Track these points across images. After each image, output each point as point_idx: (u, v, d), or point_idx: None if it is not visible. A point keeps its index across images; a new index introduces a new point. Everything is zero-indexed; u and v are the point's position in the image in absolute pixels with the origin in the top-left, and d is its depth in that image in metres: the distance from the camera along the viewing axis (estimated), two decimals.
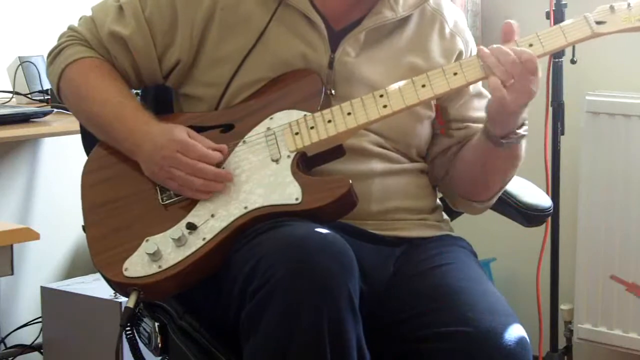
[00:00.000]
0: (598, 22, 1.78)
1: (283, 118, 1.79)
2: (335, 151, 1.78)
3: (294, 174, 1.73)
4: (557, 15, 2.90)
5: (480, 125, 1.90)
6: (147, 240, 1.72)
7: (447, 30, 1.93)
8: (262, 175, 1.75)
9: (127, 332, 1.83)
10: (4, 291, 3.14)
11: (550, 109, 2.94)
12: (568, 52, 2.91)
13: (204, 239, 1.71)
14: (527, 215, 2.06)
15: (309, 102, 1.80)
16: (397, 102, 1.77)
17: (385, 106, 1.76)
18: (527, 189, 2.10)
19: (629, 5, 1.78)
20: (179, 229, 1.72)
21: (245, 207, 1.72)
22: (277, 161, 1.76)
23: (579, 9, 3.06)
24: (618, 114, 2.98)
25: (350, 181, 1.71)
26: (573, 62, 2.89)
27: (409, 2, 1.89)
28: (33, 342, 3.16)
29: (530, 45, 1.76)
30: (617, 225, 3.00)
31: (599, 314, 3.07)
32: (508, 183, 1.94)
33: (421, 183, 1.93)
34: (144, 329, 1.87)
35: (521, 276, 3.34)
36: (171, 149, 1.75)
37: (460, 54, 1.94)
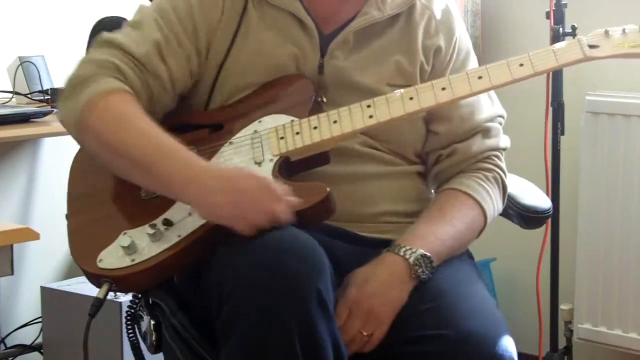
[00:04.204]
0: (591, 46, 1.76)
1: (271, 122, 1.79)
2: (319, 158, 1.77)
3: (274, 177, 1.72)
4: (557, 15, 2.90)
5: (469, 146, 1.88)
6: (124, 233, 1.72)
7: (434, 26, 1.90)
8: None
9: (130, 333, 1.85)
10: (4, 291, 3.14)
11: (550, 109, 2.94)
12: None
13: (179, 235, 1.70)
14: (525, 217, 2.04)
15: (299, 108, 1.80)
16: (383, 113, 1.76)
17: (371, 116, 1.76)
18: (527, 190, 2.09)
19: (624, 30, 1.77)
20: (155, 224, 1.72)
21: None
22: (259, 164, 1.75)
23: (579, 9, 3.08)
24: (618, 114, 2.99)
25: (329, 189, 1.68)
26: None
27: (397, 0, 1.87)
28: (33, 342, 3.16)
29: (521, 65, 1.75)
30: (617, 225, 3.01)
31: (599, 314, 3.07)
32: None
33: (416, 186, 1.91)
34: (143, 326, 1.88)
35: (521, 276, 3.35)
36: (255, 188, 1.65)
37: (438, 50, 1.90)
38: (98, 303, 1.72)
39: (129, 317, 1.88)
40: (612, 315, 3.05)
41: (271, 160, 1.75)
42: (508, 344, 1.68)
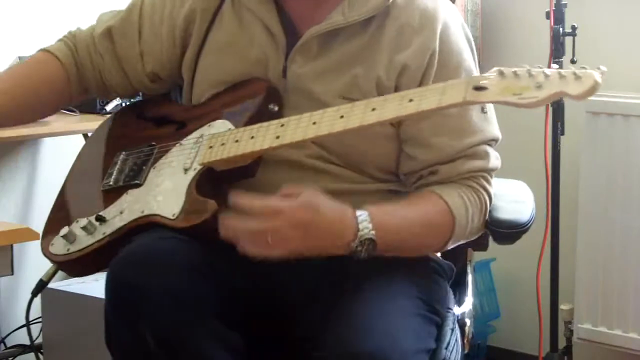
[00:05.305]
0: (477, 88, 1.53)
1: (218, 127, 1.77)
2: (243, 171, 1.71)
3: (189, 187, 1.69)
4: (557, 15, 2.90)
5: (452, 167, 1.75)
6: (77, 221, 1.76)
7: (407, 35, 1.76)
8: (170, 182, 1.73)
9: None
10: (4, 291, 3.14)
11: (550, 109, 2.94)
12: (568, 52, 2.91)
13: (104, 233, 1.73)
14: (492, 231, 1.86)
15: (241, 115, 1.76)
16: (288, 136, 1.66)
17: (277, 137, 1.67)
18: (509, 204, 1.90)
19: (515, 73, 1.52)
20: (88, 218, 1.75)
21: (142, 211, 1.71)
22: (186, 171, 1.72)
23: (579, 9, 3.07)
24: (618, 114, 2.99)
25: (215, 208, 1.64)
26: (573, 62, 2.89)
27: (369, 5, 1.75)
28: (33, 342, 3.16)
29: (411, 100, 1.58)
30: (617, 225, 3.01)
31: (599, 314, 3.07)
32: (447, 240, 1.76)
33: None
34: None
35: (521, 276, 3.35)
36: None
37: (405, 68, 1.75)
38: (41, 284, 1.87)
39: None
40: (612, 315, 3.05)
41: (195, 169, 1.72)
42: None
